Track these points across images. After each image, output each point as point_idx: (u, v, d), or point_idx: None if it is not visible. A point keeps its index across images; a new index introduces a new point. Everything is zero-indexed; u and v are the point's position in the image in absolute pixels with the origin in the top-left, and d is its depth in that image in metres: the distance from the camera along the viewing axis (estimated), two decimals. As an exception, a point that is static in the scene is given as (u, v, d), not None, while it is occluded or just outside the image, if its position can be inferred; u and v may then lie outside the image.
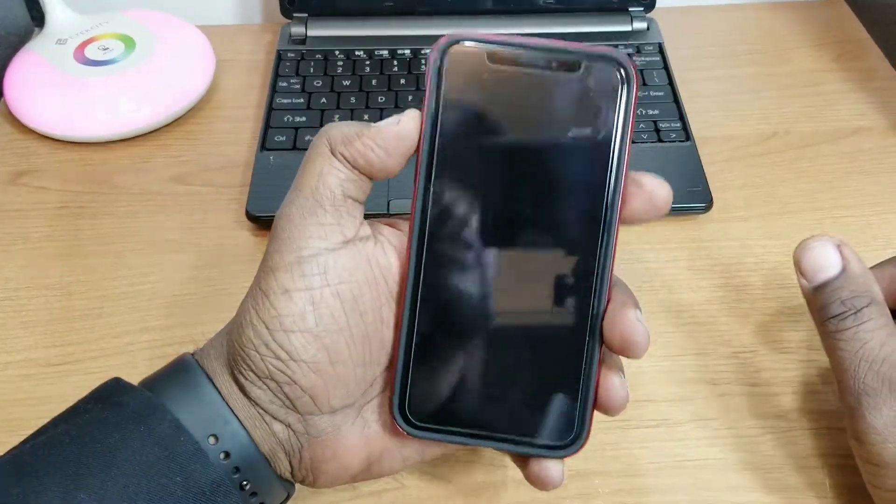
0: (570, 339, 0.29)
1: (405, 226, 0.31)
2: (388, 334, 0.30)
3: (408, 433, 0.30)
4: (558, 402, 0.30)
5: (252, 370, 0.29)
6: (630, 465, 0.38)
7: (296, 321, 0.28)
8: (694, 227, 0.49)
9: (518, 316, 0.30)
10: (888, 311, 0.32)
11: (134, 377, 0.39)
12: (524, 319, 0.30)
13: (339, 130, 0.29)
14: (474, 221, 0.29)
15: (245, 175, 0.52)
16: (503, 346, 0.30)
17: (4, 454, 0.29)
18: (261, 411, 0.30)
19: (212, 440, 0.29)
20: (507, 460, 0.38)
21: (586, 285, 0.29)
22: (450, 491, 0.37)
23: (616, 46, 0.60)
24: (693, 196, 0.50)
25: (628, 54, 0.29)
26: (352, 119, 0.54)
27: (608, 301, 0.29)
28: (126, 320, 0.45)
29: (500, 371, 0.30)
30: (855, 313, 0.32)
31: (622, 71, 0.28)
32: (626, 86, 0.28)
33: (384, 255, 0.30)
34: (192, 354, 0.31)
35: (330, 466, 0.31)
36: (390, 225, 0.31)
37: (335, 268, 0.29)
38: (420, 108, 0.29)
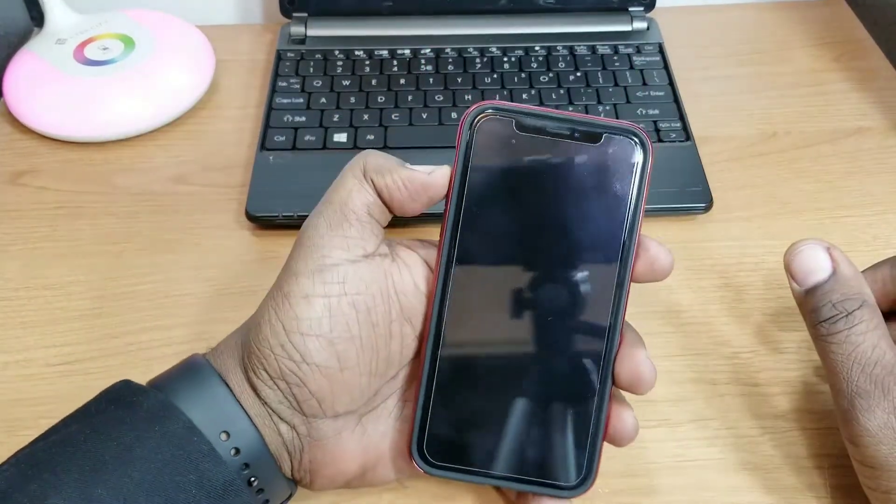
0: (584, 385, 0.32)
1: (422, 248, 0.33)
2: (395, 349, 0.32)
3: (425, 472, 0.32)
4: (570, 444, 0.32)
5: (265, 369, 0.30)
6: (630, 465, 0.38)
7: (312, 325, 0.30)
8: (694, 228, 0.49)
9: (536, 363, 0.32)
10: (880, 314, 0.32)
11: (133, 377, 0.39)
12: (542, 366, 0.32)
13: (375, 159, 0.32)
14: (496, 275, 0.32)
15: (245, 175, 0.52)
16: (521, 390, 0.32)
17: (19, 451, 0.29)
18: (269, 411, 0.31)
19: (223, 436, 0.29)
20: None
21: (601, 336, 0.31)
22: (450, 491, 0.37)
23: (616, 47, 0.60)
24: (693, 196, 0.50)
25: (642, 129, 0.31)
26: (351, 119, 0.54)
27: (619, 345, 0.32)
28: (126, 320, 0.45)
29: (517, 414, 0.32)
30: (846, 316, 0.32)
31: (640, 144, 0.31)
32: (643, 157, 0.31)
33: (399, 274, 0.31)
34: (203, 355, 0.32)
35: (327, 470, 0.32)
36: (408, 247, 0.33)
37: (354, 279, 0.30)
38: (451, 165, 0.32)
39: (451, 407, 0.32)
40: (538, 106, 0.31)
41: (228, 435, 0.29)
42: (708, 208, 0.49)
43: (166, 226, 0.50)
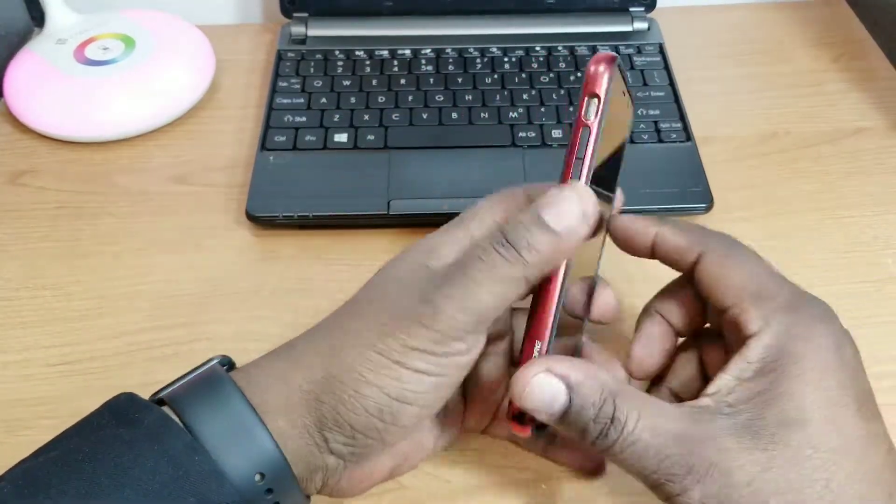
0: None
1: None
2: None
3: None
4: None
5: (350, 427, 0.29)
6: (630, 465, 0.38)
7: (417, 398, 0.29)
8: (694, 228, 0.49)
9: None
10: (634, 390, 0.30)
11: (134, 377, 0.39)
12: None
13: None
14: None
15: (245, 175, 0.52)
16: None
17: (17, 465, 0.29)
18: (323, 449, 0.30)
19: (258, 477, 0.29)
20: (506, 460, 0.38)
21: None
22: (450, 491, 0.37)
23: (617, 47, 0.60)
24: (693, 196, 0.49)
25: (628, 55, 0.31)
26: (351, 119, 0.54)
27: None
28: (126, 320, 0.45)
29: None
30: (612, 423, 0.29)
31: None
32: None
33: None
34: (227, 370, 0.31)
35: (361, 485, 0.32)
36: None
37: (463, 364, 0.30)
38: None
39: None
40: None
41: (263, 476, 0.29)
42: (708, 208, 0.49)
43: (166, 226, 0.50)
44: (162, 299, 0.46)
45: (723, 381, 0.30)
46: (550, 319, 0.31)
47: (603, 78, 0.30)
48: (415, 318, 0.29)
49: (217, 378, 0.30)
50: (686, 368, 0.36)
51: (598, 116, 0.30)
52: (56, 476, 0.27)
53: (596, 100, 0.30)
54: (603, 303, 0.35)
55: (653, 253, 0.34)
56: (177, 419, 0.29)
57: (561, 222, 0.29)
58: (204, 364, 0.32)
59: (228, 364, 0.33)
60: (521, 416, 0.31)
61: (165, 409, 0.29)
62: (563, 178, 0.31)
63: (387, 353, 0.29)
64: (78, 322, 0.45)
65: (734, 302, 0.31)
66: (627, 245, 0.34)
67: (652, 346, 0.35)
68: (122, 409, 0.29)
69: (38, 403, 0.41)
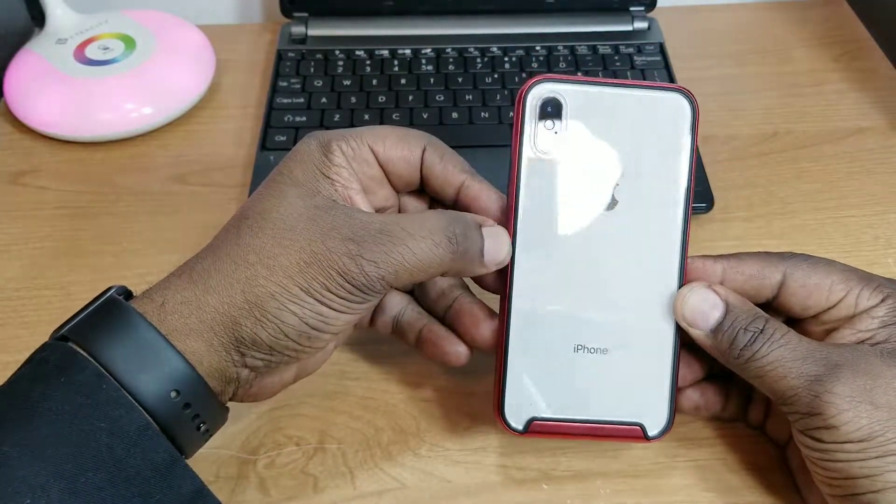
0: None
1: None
2: None
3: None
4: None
5: (268, 345, 0.31)
6: (631, 465, 0.38)
7: (333, 327, 0.32)
8: (695, 227, 0.49)
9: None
10: (778, 321, 0.33)
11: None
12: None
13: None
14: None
15: (245, 175, 0.52)
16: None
17: None
18: (238, 365, 0.31)
19: (173, 394, 0.29)
20: (506, 460, 0.38)
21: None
22: (450, 491, 0.37)
23: (617, 47, 0.60)
24: (694, 196, 0.49)
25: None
26: (352, 119, 0.54)
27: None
28: (126, 320, 0.44)
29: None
30: (761, 332, 0.32)
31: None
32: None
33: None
34: (137, 306, 0.31)
35: (272, 390, 0.34)
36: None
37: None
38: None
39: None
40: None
41: (178, 392, 0.29)
42: (709, 208, 0.49)
43: (166, 226, 0.50)
44: (162, 299, 0.46)
45: (849, 334, 0.33)
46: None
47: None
48: (339, 269, 0.30)
49: (118, 306, 0.30)
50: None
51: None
52: None
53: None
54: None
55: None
56: (82, 351, 0.29)
57: (491, 257, 0.33)
58: (101, 295, 0.32)
59: (125, 293, 0.33)
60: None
61: (71, 344, 0.30)
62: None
63: (308, 290, 0.30)
64: (78, 322, 0.44)
65: (846, 291, 0.34)
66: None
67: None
68: (32, 355, 0.30)
69: (39, 403, 0.41)
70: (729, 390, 0.37)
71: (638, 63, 0.58)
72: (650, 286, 0.34)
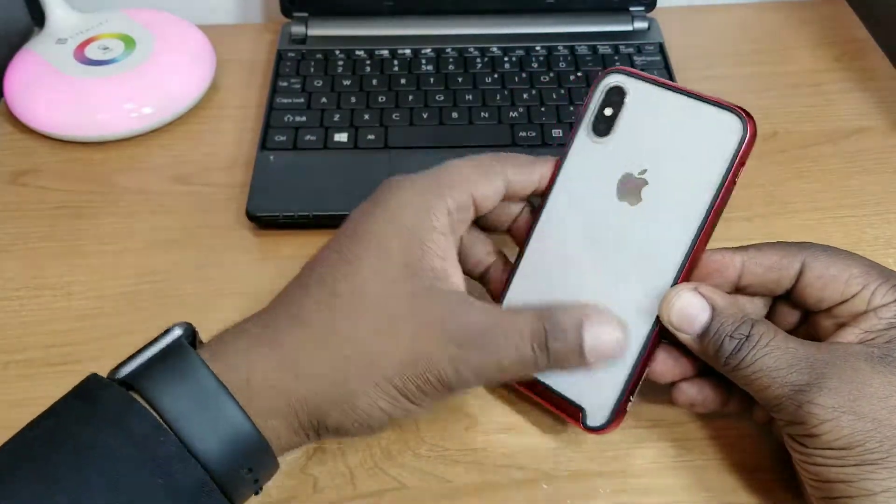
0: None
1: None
2: None
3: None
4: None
5: (347, 431, 0.31)
6: (630, 465, 0.38)
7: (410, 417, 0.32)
8: (695, 227, 0.49)
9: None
10: (767, 321, 0.33)
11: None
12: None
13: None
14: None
15: (245, 175, 0.52)
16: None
17: None
18: (310, 438, 0.32)
19: (227, 450, 0.29)
20: (506, 460, 0.38)
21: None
22: (450, 491, 0.37)
23: (617, 47, 0.60)
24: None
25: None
26: (352, 119, 0.54)
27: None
28: (126, 320, 0.45)
29: None
30: (746, 339, 0.32)
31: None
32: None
33: None
34: (201, 350, 0.31)
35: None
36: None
37: None
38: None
39: None
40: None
41: (233, 449, 0.29)
42: (709, 208, 0.49)
43: (166, 226, 0.50)
44: (162, 299, 0.46)
45: (852, 333, 0.33)
46: None
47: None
48: (438, 374, 0.30)
49: (191, 363, 0.29)
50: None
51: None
52: (17, 462, 0.27)
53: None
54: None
55: (739, 283, 0.35)
56: (141, 399, 0.28)
57: (596, 353, 0.31)
58: (164, 335, 0.31)
59: (188, 331, 0.32)
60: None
61: (133, 393, 0.29)
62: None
63: (403, 392, 0.30)
64: (78, 322, 0.45)
65: (863, 286, 0.33)
66: (711, 283, 0.35)
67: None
68: (84, 391, 0.29)
69: (39, 403, 0.41)
70: (731, 387, 0.37)
71: (638, 63, 0.58)
72: (642, 284, 0.34)
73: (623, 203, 0.34)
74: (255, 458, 0.29)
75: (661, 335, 0.34)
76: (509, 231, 0.37)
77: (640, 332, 0.34)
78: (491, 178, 0.34)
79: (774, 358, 0.31)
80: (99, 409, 0.28)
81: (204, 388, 0.29)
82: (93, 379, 0.30)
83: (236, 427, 0.29)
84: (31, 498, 0.26)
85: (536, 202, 0.36)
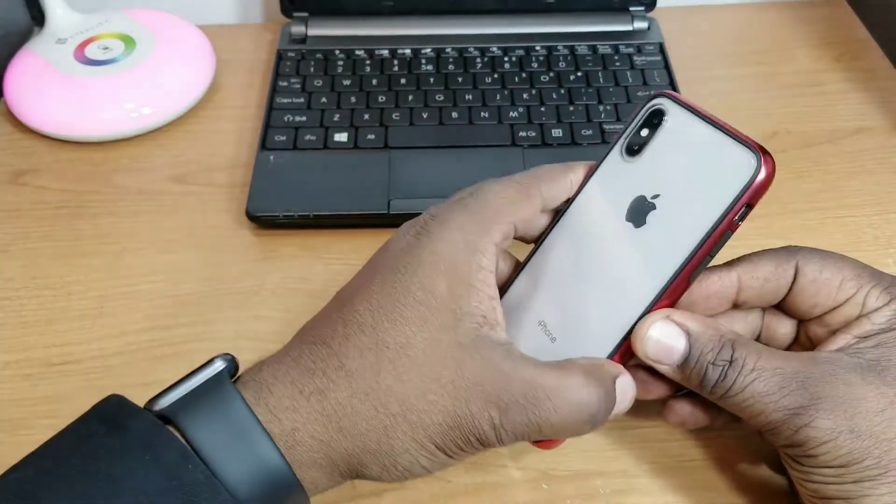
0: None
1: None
2: None
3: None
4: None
5: (382, 480, 0.31)
6: (631, 465, 0.38)
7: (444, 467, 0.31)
8: (695, 227, 0.49)
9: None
10: (747, 338, 0.32)
11: (134, 377, 0.39)
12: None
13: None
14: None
15: (245, 175, 0.52)
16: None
17: (8, 473, 0.28)
18: (343, 481, 0.32)
19: (257, 491, 0.28)
20: (507, 460, 0.38)
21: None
22: (450, 491, 0.37)
23: (617, 47, 0.60)
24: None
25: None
26: (352, 118, 0.54)
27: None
28: (126, 320, 0.45)
29: None
30: (730, 364, 0.31)
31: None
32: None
33: None
34: (241, 386, 0.30)
35: None
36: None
37: None
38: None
39: None
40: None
41: (262, 487, 0.29)
42: (709, 208, 0.49)
43: (166, 226, 0.50)
44: (162, 299, 0.46)
45: (843, 339, 0.32)
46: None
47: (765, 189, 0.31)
48: (478, 435, 0.30)
49: (236, 408, 0.29)
50: None
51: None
52: (48, 489, 0.27)
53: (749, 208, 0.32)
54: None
55: (738, 299, 0.34)
56: (176, 431, 0.28)
57: (621, 407, 0.32)
58: (205, 366, 0.31)
59: (231, 365, 0.31)
60: None
61: (153, 416, 0.29)
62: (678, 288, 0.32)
63: (443, 449, 0.30)
64: (78, 322, 0.45)
65: (857, 289, 0.33)
66: (710, 306, 0.35)
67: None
68: (110, 415, 0.29)
69: (39, 403, 0.41)
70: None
71: (638, 63, 0.58)
72: (619, 306, 0.33)
73: (629, 224, 0.33)
74: (288, 500, 0.29)
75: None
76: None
77: (607, 347, 0.33)
78: (532, 201, 0.33)
79: (764, 382, 0.30)
80: (128, 436, 0.28)
81: (241, 424, 0.28)
82: (119, 403, 0.29)
83: (269, 465, 0.28)
84: None
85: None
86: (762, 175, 0.31)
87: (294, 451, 0.29)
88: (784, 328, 0.36)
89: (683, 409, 0.35)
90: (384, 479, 0.31)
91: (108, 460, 0.27)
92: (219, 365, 0.31)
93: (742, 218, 0.31)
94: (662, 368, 0.32)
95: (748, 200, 0.31)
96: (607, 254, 0.33)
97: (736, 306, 0.35)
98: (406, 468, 0.30)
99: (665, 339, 0.31)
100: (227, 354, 0.31)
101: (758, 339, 0.36)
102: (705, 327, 0.31)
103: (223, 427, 0.28)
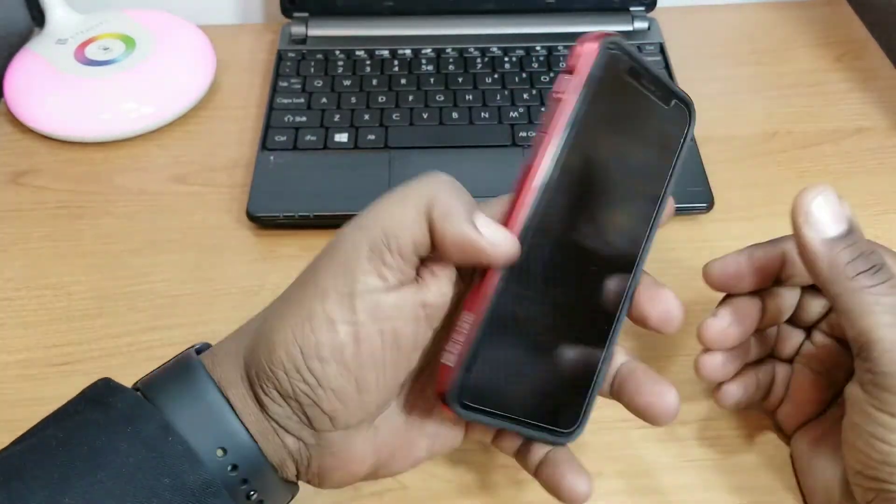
0: (594, 342, 0.32)
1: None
2: (416, 357, 0.30)
3: (460, 416, 0.30)
4: (574, 394, 0.32)
5: (276, 389, 0.29)
6: (632, 465, 0.38)
7: (334, 352, 0.28)
8: (695, 227, 0.49)
9: (566, 317, 0.32)
10: None
11: (133, 377, 0.38)
12: (570, 321, 0.32)
13: (445, 201, 0.28)
14: (561, 224, 0.30)
15: (245, 175, 0.52)
16: (550, 345, 0.31)
17: None
18: (275, 426, 0.30)
19: (220, 453, 0.28)
20: (507, 460, 0.38)
21: (621, 289, 0.32)
22: (450, 491, 0.37)
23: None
24: (694, 196, 0.49)
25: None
26: (352, 119, 0.54)
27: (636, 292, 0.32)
28: (126, 320, 0.45)
29: (544, 364, 0.31)
30: (882, 266, 0.30)
31: (690, 114, 0.34)
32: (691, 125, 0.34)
33: (429, 289, 0.29)
34: (198, 355, 0.31)
35: (338, 473, 0.31)
36: (440, 262, 0.30)
37: (385, 307, 0.28)
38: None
39: (495, 356, 0.30)
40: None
41: (226, 451, 0.28)
42: (709, 208, 0.49)
43: (166, 226, 0.50)
44: (162, 299, 0.46)
45: None
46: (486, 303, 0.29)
47: (582, 55, 0.29)
48: (327, 256, 0.29)
49: (187, 362, 0.30)
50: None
51: (573, 93, 0.29)
52: (30, 462, 0.27)
53: (569, 75, 0.29)
54: (662, 308, 0.32)
55: (783, 273, 0.35)
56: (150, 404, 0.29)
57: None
58: (184, 351, 0.32)
59: (204, 346, 0.32)
60: (451, 393, 0.29)
61: (139, 394, 0.29)
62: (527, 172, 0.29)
63: (303, 305, 0.29)
64: (78, 322, 0.45)
65: None
66: (757, 280, 0.35)
67: (741, 316, 0.35)
68: (96, 395, 0.30)
69: (39, 403, 0.40)
70: (757, 379, 0.37)
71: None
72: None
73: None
74: (242, 458, 0.29)
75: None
76: None
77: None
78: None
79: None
80: (111, 412, 0.28)
81: (201, 391, 0.29)
82: (105, 383, 0.30)
83: (228, 430, 0.29)
84: (43, 497, 0.26)
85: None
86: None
87: (217, 373, 0.30)
88: (817, 307, 0.36)
89: (737, 391, 0.36)
90: (267, 376, 0.29)
91: (91, 433, 0.28)
92: (194, 347, 0.32)
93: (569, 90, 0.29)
94: (807, 235, 0.31)
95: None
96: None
97: (779, 282, 0.35)
98: (270, 350, 0.28)
99: (835, 211, 0.31)
100: (206, 343, 0.32)
101: (793, 316, 0.37)
102: (861, 231, 0.31)
103: (190, 401, 0.29)
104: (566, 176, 0.29)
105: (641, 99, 0.31)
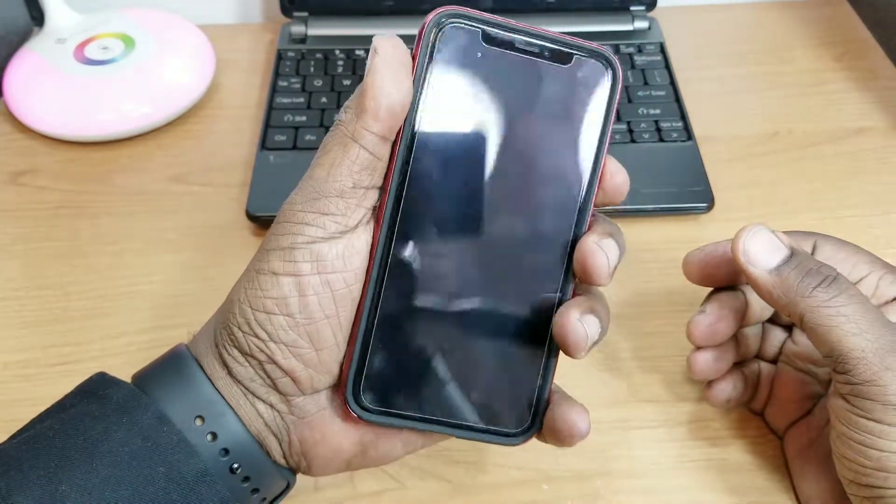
0: (533, 329, 0.30)
1: None
2: None
3: (360, 417, 0.29)
4: (516, 391, 0.30)
5: (235, 346, 0.29)
6: (631, 466, 0.38)
7: (278, 304, 0.28)
8: (695, 227, 0.49)
9: (482, 303, 0.30)
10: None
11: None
12: (490, 306, 0.30)
13: (364, 101, 0.28)
14: (448, 206, 0.29)
15: (245, 175, 0.52)
16: (467, 332, 0.30)
17: None
18: (243, 389, 0.30)
19: (198, 421, 0.29)
20: (506, 459, 0.38)
21: (553, 276, 0.30)
22: (450, 491, 0.37)
23: (617, 46, 0.60)
24: (694, 196, 0.49)
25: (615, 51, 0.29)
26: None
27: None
28: (126, 320, 0.44)
29: (462, 358, 0.30)
30: (835, 278, 0.31)
31: (610, 68, 0.30)
32: (612, 82, 0.30)
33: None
34: (187, 344, 0.32)
35: (320, 450, 0.30)
36: None
37: (329, 256, 0.28)
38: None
39: (392, 349, 0.29)
40: (505, 18, 0.29)
41: (203, 419, 0.29)
42: (709, 208, 0.49)
43: (166, 226, 0.50)
44: (162, 299, 0.46)
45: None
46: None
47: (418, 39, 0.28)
48: (273, 223, 0.30)
49: (176, 351, 0.31)
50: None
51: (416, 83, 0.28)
52: (27, 453, 0.27)
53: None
54: (612, 180, 0.30)
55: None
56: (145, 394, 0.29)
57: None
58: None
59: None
60: (349, 395, 0.29)
61: (134, 386, 0.30)
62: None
63: (253, 265, 0.30)
64: (78, 322, 0.44)
65: (870, 271, 0.34)
66: (714, 277, 0.36)
67: (727, 311, 0.36)
68: (92, 388, 0.30)
69: (39, 403, 0.40)
70: (745, 376, 0.38)
71: (638, 63, 0.58)
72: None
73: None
74: (242, 452, 0.29)
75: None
76: None
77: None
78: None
79: (866, 308, 0.30)
80: (107, 403, 0.29)
81: (192, 382, 0.29)
82: (101, 376, 0.30)
83: (224, 418, 0.29)
84: (40, 486, 0.26)
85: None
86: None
87: (194, 349, 0.31)
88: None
89: (727, 388, 0.37)
90: (228, 335, 0.29)
91: (87, 424, 0.28)
92: (180, 345, 0.32)
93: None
94: (753, 271, 0.32)
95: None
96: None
97: None
98: (230, 311, 0.29)
99: (770, 242, 0.32)
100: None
101: (775, 314, 0.38)
102: (807, 253, 0.32)
103: (181, 392, 0.29)
104: (432, 159, 0.28)
105: (523, 65, 0.29)
